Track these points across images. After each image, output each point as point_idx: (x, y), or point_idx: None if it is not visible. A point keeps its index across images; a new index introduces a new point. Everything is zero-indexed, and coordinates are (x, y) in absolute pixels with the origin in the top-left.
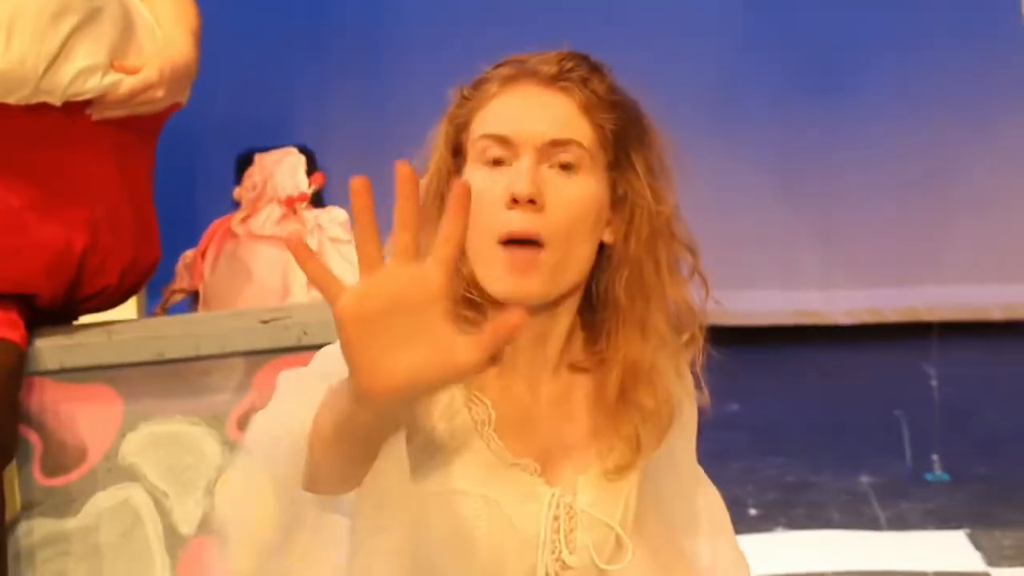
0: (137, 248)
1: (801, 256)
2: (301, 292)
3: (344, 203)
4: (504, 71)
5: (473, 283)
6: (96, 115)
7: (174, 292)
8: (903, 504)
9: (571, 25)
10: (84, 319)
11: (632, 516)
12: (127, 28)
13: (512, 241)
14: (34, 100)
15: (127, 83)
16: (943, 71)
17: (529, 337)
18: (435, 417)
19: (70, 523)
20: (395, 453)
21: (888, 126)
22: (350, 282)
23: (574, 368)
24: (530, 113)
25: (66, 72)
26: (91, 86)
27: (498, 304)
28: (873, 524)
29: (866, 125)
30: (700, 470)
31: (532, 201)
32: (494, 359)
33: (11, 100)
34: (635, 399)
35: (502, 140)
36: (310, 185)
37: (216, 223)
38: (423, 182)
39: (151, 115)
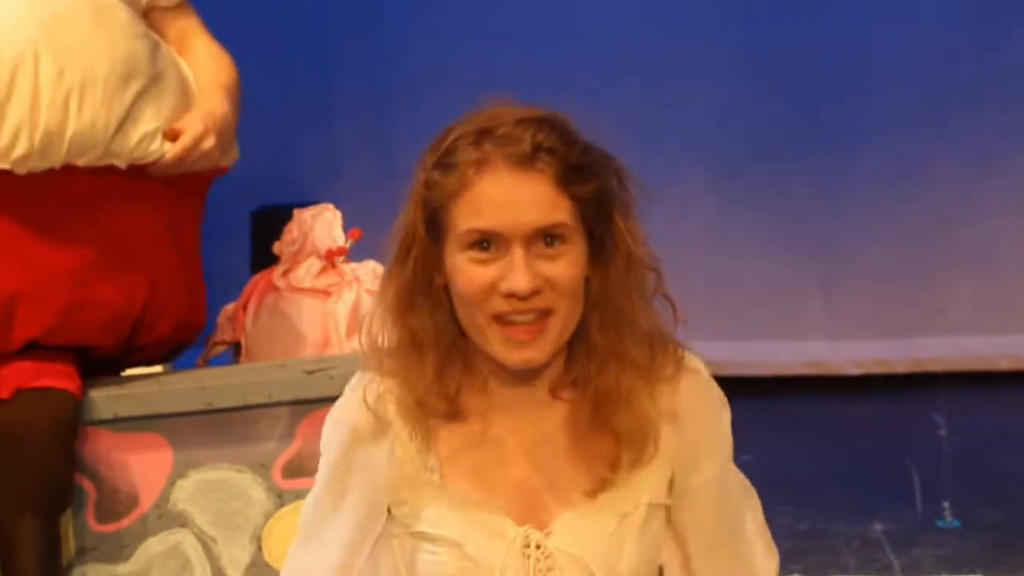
0: (189, 305)
1: (808, 308)
2: (340, 343)
3: (371, 255)
4: (473, 153)
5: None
6: (157, 173)
7: (216, 344)
8: (915, 551)
9: (567, 71)
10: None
11: (632, 559)
12: (184, 91)
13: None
14: (102, 163)
15: (180, 141)
16: (943, 123)
17: (520, 375)
18: (392, 463)
19: (122, 568)
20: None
21: (890, 178)
22: None
23: (552, 394)
24: (512, 203)
25: (132, 135)
26: (155, 148)
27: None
28: (888, 570)
29: (868, 177)
30: (741, 489)
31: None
32: None
33: (80, 162)
34: (611, 423)
35: (489, 233)
36: (347, 239)
37: (257, 277)
38: (404, 272)
39: (201, 177)
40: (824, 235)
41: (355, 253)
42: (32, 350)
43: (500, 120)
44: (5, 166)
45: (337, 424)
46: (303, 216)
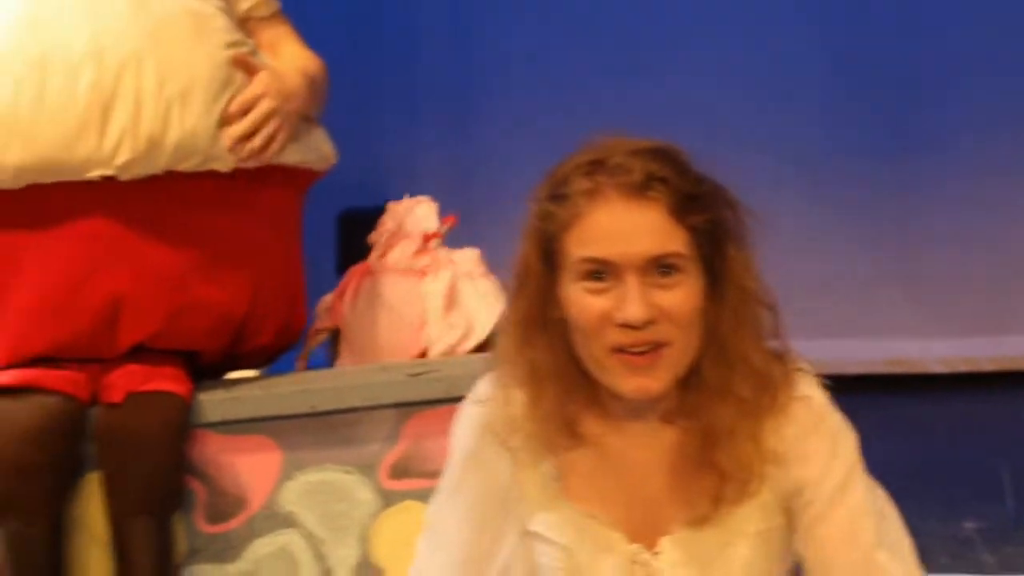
0: (290, 310)
1: (894, 306)
2: (437, 322)
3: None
4: (585, 183)
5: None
6: (245, 159)
7: (317, 332)
8: (1008, 548)
9: (656, 73)
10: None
11: None
12: None
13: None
14: (203, 168)
15: (237, 99)
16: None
17: (636, 403)
18: (513, 472)
19: (231, 569)
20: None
21: (976, 176)
22: (489, 318)
23: (663, 421)
24: (625, 232)
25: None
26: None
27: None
28: (981, 569)
29: (955, 176)
30: (871, 516)
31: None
32: None
33: (182, 167)
34: (715, 460)
35: (602, 262)
36: (442, 226)
37: (353, 268)
38: (522, 305)
39: (299, 180)
40: (911, 234)
41: (450, 242)
42: (141, 354)
43: (612, 151)
44: (109, 172)
45: (464, 430)
46: (397, 207)
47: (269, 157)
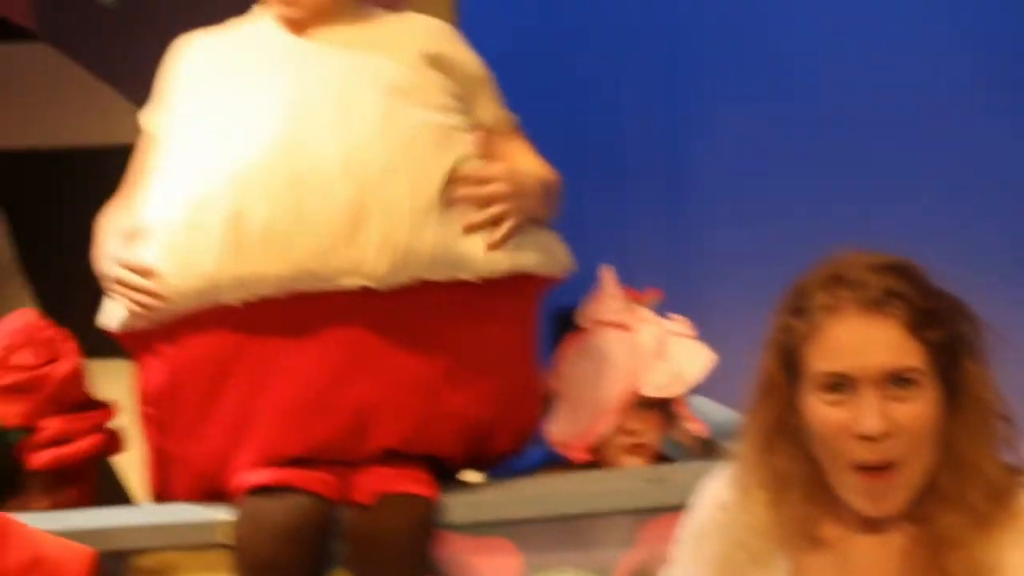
0: (530, 416)
1: None
2: (648, 370)
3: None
4: (825, 298)
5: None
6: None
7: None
8: None
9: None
10: None
11: None
12: None
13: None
14: (452, 278)
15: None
16: None
17: None
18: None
19: None
20: None
21: None
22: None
23: (895, 526)
24: (863, 346)
25: (478, 251)
26: (497, 260)
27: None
28: None
29: None
30: None
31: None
32: None
33: (432, 277)
34: (944, 568)
35: (840, 376)
36: (647, 295)
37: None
38: (763, 413)
39: (539, 286)
40: None
41: None
42: (389, 458)
43: (851, 266)
44: (364, 282)
45: (699, 525)
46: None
47: (494, 244)
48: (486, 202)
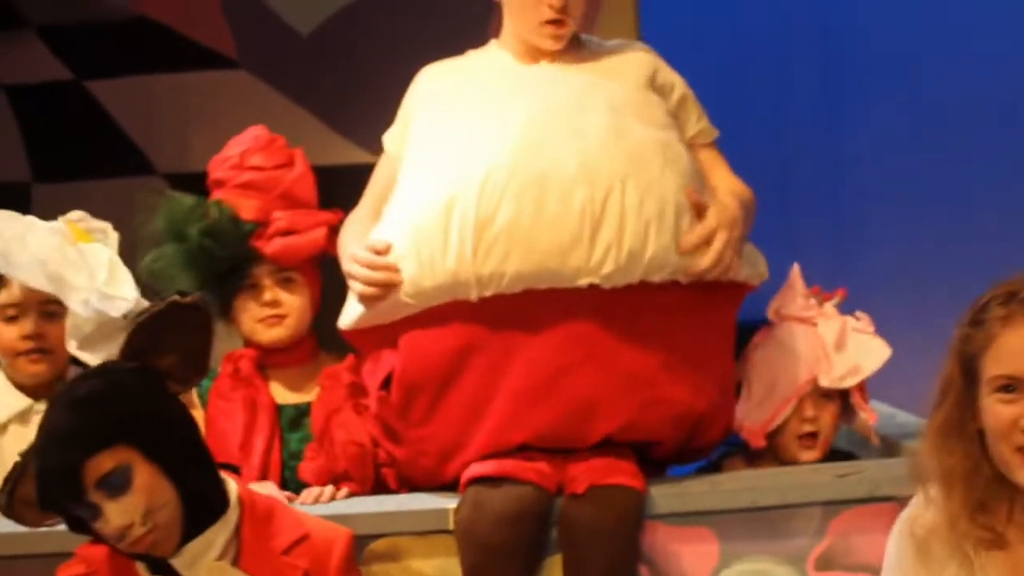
0: (729, 408)
1: None
2: (830, 360)
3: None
4: (1000, 312)
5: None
6: (701, 277)
7: None
8: None
9: None
10: None
11: None
12: None
13: None
14: (670, 279)
15: (696, 232)
16: None
17: None
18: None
19: None
20: None
21: None
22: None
23: None
24: None
25: (691, 254)
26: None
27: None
28: None
29: None
30: None
31: None
32: None
33: (654, 278)
34: None
35: (1012, 377)
36: (835, 297)
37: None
38: (941, 415)
39: (742, 290)
40: None
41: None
42: (601, 449)
43: None
44: (595, 280)
45: (891, 540)
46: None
47: (725, 274)
48: (717, 256)
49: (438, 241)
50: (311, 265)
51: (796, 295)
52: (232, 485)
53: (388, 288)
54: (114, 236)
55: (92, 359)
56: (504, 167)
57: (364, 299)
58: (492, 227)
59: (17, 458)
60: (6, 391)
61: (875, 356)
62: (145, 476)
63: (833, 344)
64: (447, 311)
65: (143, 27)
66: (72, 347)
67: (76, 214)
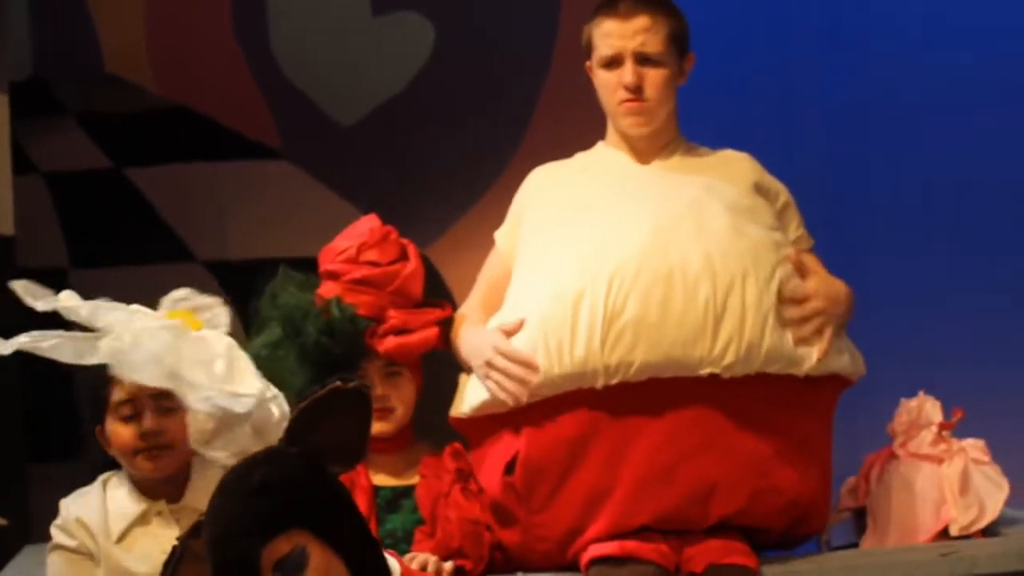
0: (829, 501)
1: None
2: (954, 502)
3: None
4: None
5: None
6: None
7: (840, 512)
8: None
9: None
10: None
11: None
12: None
13: None
14: (783, 371)
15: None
16: None
17: None
18: None
19: None
20: None
21: None
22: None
23: None
24: None
25: (803, 351)
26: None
27: None
28: None
29: None
30: None
31: None
32: None
33: (769, 370)
34: None
35: None
36: (953, 417)
37: (872, 456)
38: None
39: (842, 385)
40: None
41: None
42: (715, 530)
43: None
44: (715, 371)
45: None
46: (910, 403)
47: (823, 352)
48: (811, 314)
49: (566, 332)
50: (417, 360)
51: (925, 431)
52: (394, 563)
53: (525, 383)
54: (224, 313)
55: (220, 456)
56: (633, 263)
57: (500, 391)
58: (621, 319)
59: (175, 542)
60: (126, 497)
61: (999, 496)
62: (319, 557)
63: (958, 487)
64: (572, 398)
65: (183, 116)
66: (194, 445)
67: (180, 292)
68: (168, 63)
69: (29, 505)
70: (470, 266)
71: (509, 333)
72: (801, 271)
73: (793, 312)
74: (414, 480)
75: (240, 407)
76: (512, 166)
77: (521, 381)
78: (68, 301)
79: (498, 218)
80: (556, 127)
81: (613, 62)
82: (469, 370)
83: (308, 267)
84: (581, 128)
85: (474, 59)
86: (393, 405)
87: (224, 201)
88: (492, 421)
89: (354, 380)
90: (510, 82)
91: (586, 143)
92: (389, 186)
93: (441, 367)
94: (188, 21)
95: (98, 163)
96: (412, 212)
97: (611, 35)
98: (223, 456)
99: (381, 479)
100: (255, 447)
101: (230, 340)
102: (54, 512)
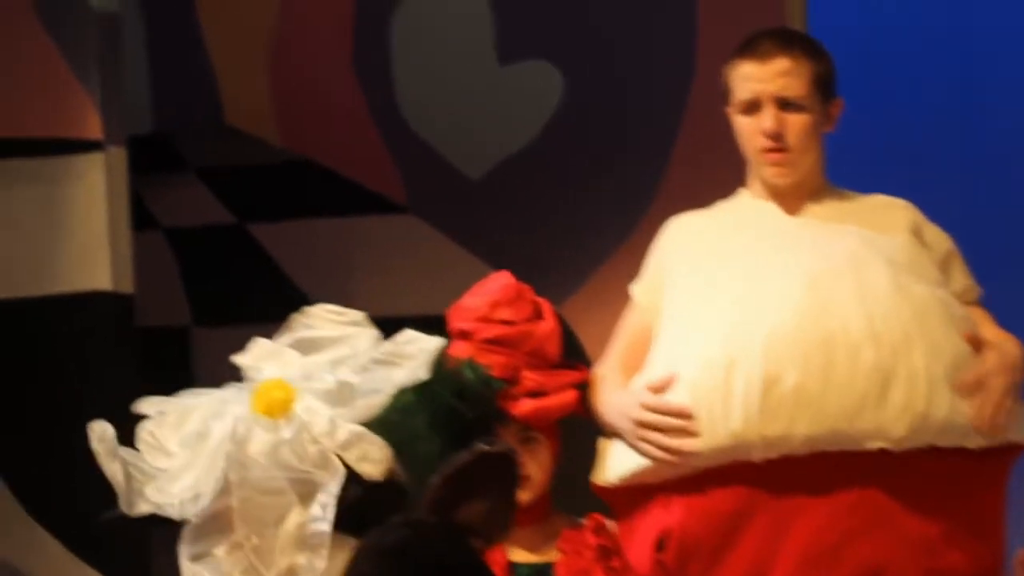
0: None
1: None
2: None
3: None
4: None
5: None
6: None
7: None
8: None
9: None
10: None
11: None
12: None
13: None
14: (957, 444)
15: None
16: None
17: None
18: None
19: None
20: None
21: None
22: None
23: None
24: None
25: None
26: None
27: None
28: None
29: None
30: None
31: None
32: None
33: (941, 443)
34: None
35: None
36: None
37: None
38: None
39: (1017, 454)
40: None
41: None
42: None
43: None
44: (885, 444)
45: None
46: None
47: (1003, 428)
48: (992, 393)
49: (719, 401)
50: (554, 424)
51: None
52: None
53: (684, 435)
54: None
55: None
56: (789, 327)
57: (655, 450)
58: (778, 389)
59: None
60: None
61: None
62: None
63: None
64: (728, 471)
65: (306, 169)
66: None
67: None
68: (291, 115)
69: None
70: (604, 324)
71: (656, 390)
72: (975, 345)
73: (972, 391)
74: (552, 556)
75: None
76: (647, 218)
77: (679, 432)
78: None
79: (633, 272)
80: (693, 175)
81: (752, 107)
82: (611, 434)
83: (435, 326)
84: (720, 176)
85: (605, 107)
86: (528, 473)
87: (348, 257)
88: (639, 492)
89: (499, 445)
90: (644, 129)
91: (725, 192)
92: (518, 241)
93: (576, 433)
94: (311, 72)
95: (220, 218)
96: (542, 268)
97: (750, 78)
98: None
99: (518, 554)
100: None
101: None
102: None
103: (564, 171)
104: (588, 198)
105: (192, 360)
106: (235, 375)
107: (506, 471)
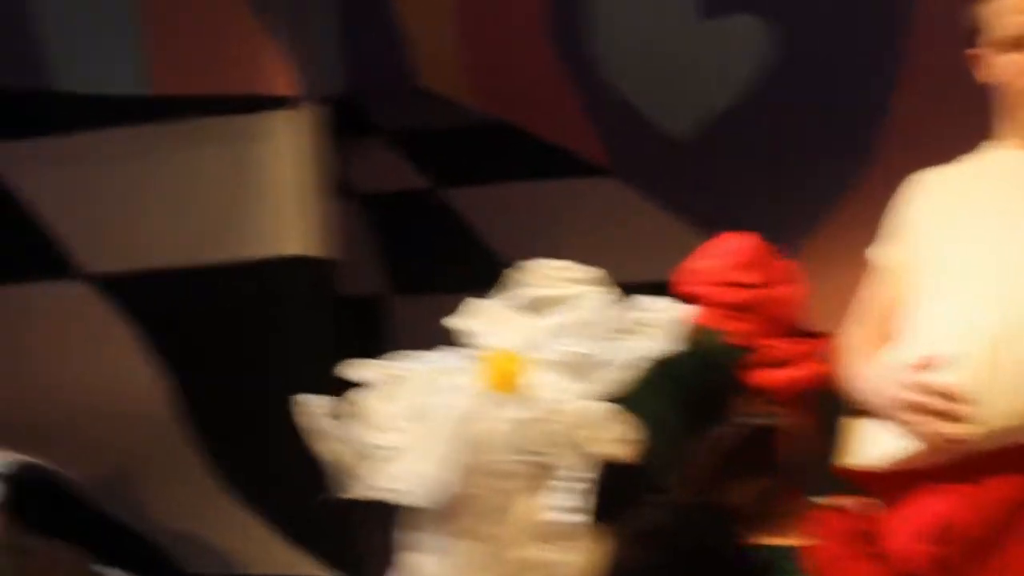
0: None
1: None
2: None
3: None
4: None
5: None
6: None
7: None
8: None
9: None
10: None
11: None
12: None
13: None
14: None
15: None
16: None
17: None
18: None
19: None
20: None
21: None
22: None
23: None
24: None
25: None
26: None
27: None
28: None
29: None
30: None
31: None
32: None
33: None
34: None
35: None
36: None
37: None
38: None
39: None
40: None
41: None
42: None
43: None
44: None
45: None
46: None
47: None
48: None
49: (1006, 379)
50: (798, 397)
51: None
52: None
53: (956, 419)
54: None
55: None
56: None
57: (927, 435)
58: None
59: None
60: None
61: None
62: None
63: None
64: (1004, 456)
65: (502, 131)
66: None
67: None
68: (484, 76)
69: None
70: (819, 290)
71: (924, 368)
72: None
73: None
74: (792, 538)
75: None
76: (864, 177)
77: (949, 416)
78: None
79: (853, 234)
80: (914, 128)
81: (1020, 43)
82: (862, 412)
83: (641, 292)
84: (943, 129)
85: (816, 61)
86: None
87: (548, 222)
88: (901, 476)
89: (764, 418)
90: (858, 83)
91: (950, 145)
92: (725, 204)
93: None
94: (504, 31)
95: (414, 183)
96: (751, 232)
97: (1016, 10)
98: None
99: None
100: None
101: None
102: None
103: (774, 130)
104: (799, 159)
105: (387, 329)
106: (432, 345)
107: (768, 448)
